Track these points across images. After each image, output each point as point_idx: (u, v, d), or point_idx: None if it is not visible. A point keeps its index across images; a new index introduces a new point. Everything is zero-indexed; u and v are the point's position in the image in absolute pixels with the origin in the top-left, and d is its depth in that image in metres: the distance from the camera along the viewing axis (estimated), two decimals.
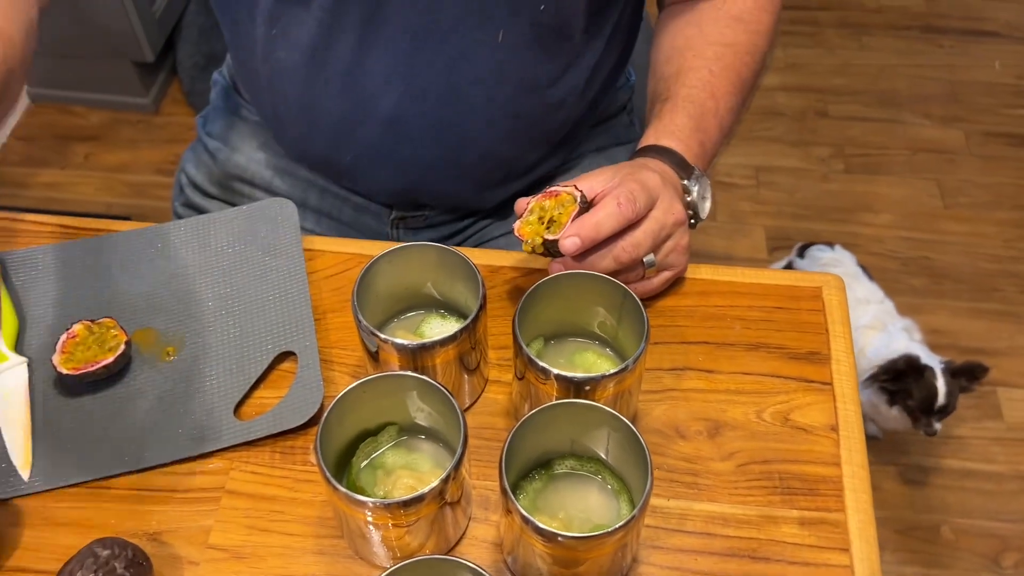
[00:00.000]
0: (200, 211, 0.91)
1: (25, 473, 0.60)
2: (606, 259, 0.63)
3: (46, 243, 0.73)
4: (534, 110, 0.79)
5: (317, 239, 0.75)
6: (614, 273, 0.62)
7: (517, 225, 0.64)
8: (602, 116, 0.94)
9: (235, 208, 0.75)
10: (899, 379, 1.30)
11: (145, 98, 2.02)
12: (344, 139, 0.80)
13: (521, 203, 0.66)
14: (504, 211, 0.92)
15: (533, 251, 0.63)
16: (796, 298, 0.71)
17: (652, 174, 0.65)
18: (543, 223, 0.63)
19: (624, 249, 0.63)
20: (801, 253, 1.55)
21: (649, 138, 0.74)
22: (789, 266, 1.56)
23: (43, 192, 1.93)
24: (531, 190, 0.90)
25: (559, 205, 0.63)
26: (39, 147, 2.00)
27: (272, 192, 0.90)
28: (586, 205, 0.63)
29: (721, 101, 0.76)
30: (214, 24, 2.04)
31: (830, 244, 1.55)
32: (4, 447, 0.61)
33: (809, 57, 2.18)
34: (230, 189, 0.91)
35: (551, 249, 0.63)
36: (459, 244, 0.94)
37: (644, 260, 0.65)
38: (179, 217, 0.95)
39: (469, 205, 0.89)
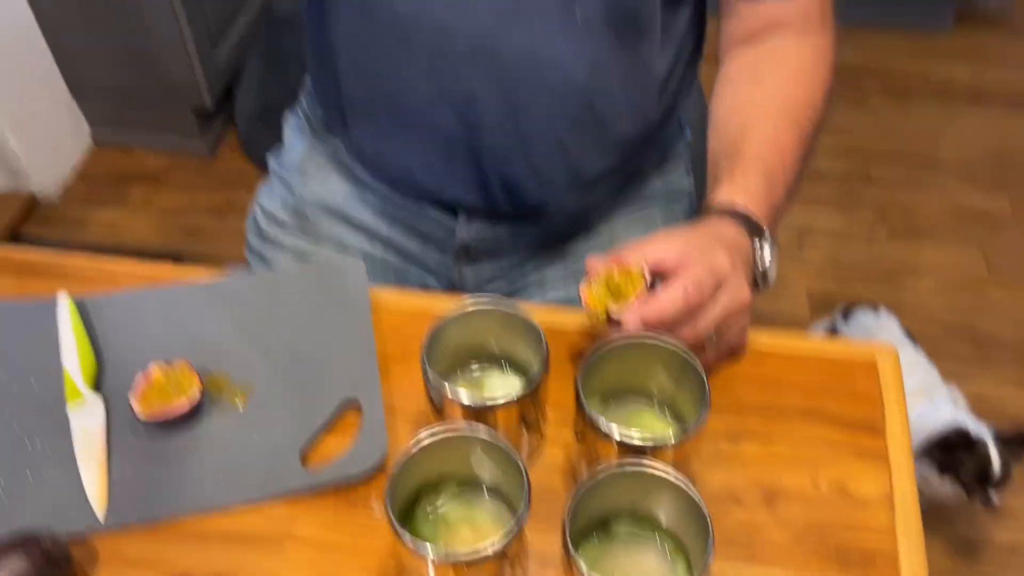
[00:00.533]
0: (276, 242, 0.95)
1: (100, 511, 0.62)
2: (680, 337, 0.64)
3: (125, 287, 0.76)
4: (605, 106, 0.81)
5: (384, 291, 0.77)
6: None
7: (584, 289, 0.66)
8: (660, 161, 0.97)
9: (307, 265, 0.78)
10: (951, 452, 1.29)
11: (202, 143, 2.10)
12: (424, 124, 0.83)
13: (592, 264, 0.67)
14: (562, 251, 0.94)
15: (595, 319, 0.65)
16: (851, 367, 0.72)
17: (722, 255, 0.67)
18: (609, 292, 0.65)
19: (685, 333, 0.64)
20: (845, 316, 1.55)
21: (722, 195, 0.75)
22: (833, 328, 1.56)
23: (101, 230, 1.99)
24: (594, 211, 0.94)
25: (627, 277, 0.65)
26: (100, 187, 2.07)
27: (347, 219, 0.94)
28: (652, 285, 0.65)
29: (788, 159, 0.78)
30: (272, 75, 2.11)
31: (874, 307, 1.55)
32: (81, 484, 0.63)
33: (854, 121, 2.20)
34: (304, 217, 0.94)
35: (613, 322, 0.64)
36: (516, 285, 0.96)
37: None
38: (252, 249, 0.98)
39: (533, 204, 0.89)
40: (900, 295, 1.83)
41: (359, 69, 0.84)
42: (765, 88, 0.82)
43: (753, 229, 0.72)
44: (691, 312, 0.64)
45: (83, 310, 0.73)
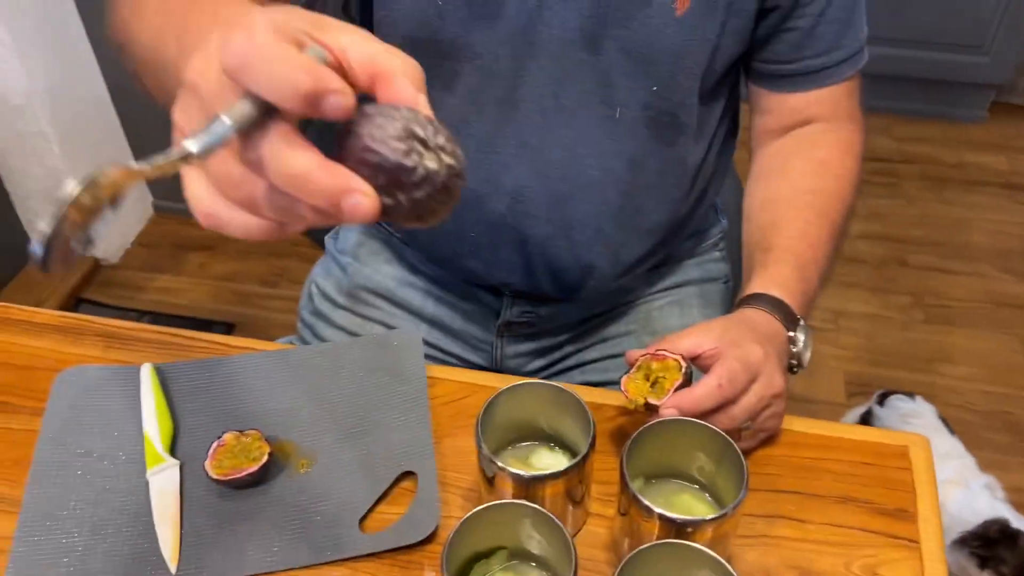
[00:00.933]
0: (327, 319, 1.01)
1: (173, 567, 0.66)
2: (715, 422, 0.68)
3: (197, 356, 0.82)
4: (643, 194, 0.87)
5: (436, 368, 0.83)
6: None
7: (625, 380, 0.71)
8: (696, 247, 1.02)
9: (367, 336, 0.83)
10: (991, 546, 1.29)
11: None
12: (472, 213, 0.88)
13: (632, 355, 0.72)
14: (601, 334, 0.99)
15: (635, 408, 0.70)
16: (883, 455, 0.75)
17: (756, 346, 0.70)
18: (648, 381, 0.70)
19: (720, 421, 0.68)
20: (881, 402, 1.57)
21: (756, 287, 0.79)
22: (869, 413, 1.58)
23: (157, 296, 2.08)
24: (632, 294, 0.99)
25: (665, 368, 0.70)
26: (158, 254, 2.17)
27: (395, 301, 1.00)
28: (689, 376, 0.70)
29: (819, 250, 0.82)
30: (327, 151, 2.22)
31: (910, 394, 1.57)
32: (156, 541, 0.68)
33: (889, 207, 2.24)
34: (357, 299, 1.00)
35: (651, 410, 0.69)
36: (556, 363, 1.00)
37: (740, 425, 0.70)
38: (304, 322, 1.04)
39: (575, 287, 0.93)
40: (936, 381, 1.84)
41: None
42: (794, 182, 0.87)
43: (787, 317, 0.77)
44: (725, 403, 0.68)
45: (162, 376, 0.79)
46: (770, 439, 0.76)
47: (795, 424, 0.77)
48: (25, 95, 1.81)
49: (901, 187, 2.31)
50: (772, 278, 0.79)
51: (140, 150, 2.10)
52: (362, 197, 0.39)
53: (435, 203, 0.42)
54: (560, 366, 1.01)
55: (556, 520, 0.60)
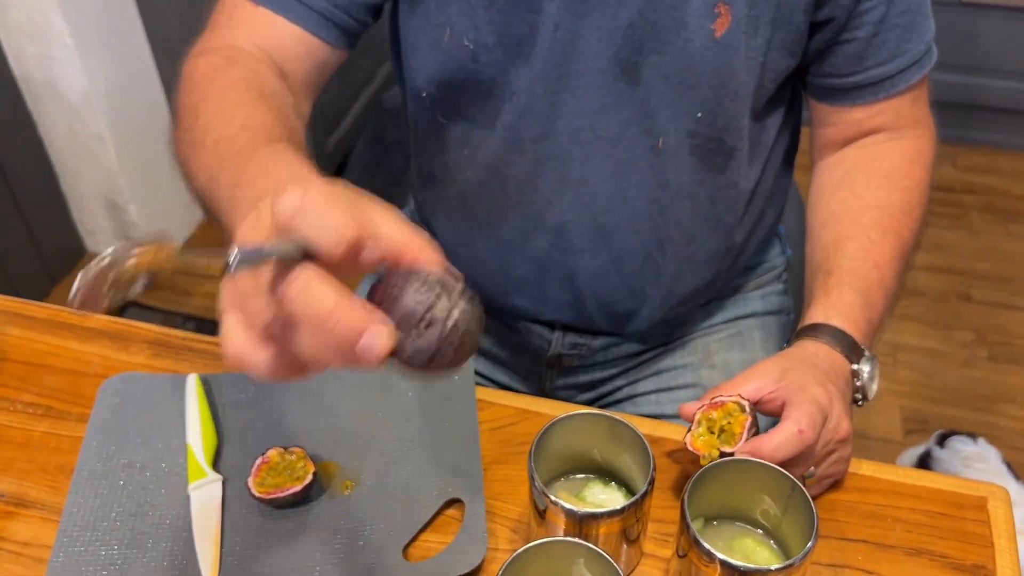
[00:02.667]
0: None
1: None
2: (794, 467, 0.64)
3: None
4: (694, 222, 0.83)
5: (487, 391, 0.80)
6: None
7: (689, 439, 0.66)
8: (756, 277, 0.98)
9: None
10: None
11: None
12: (517, 250, 0.85)
13: (688, 409, 0.68)
14: (656, 366, 0.95)
15: (711, 463, 0.63)
16: (960, 506, 0.70)
17: (820, 390, 0.66)
18: (713, 433, 0.66)
19: (794, 470, 0.64)
20: (941, 442, 1.51)
21: (816, 316, 0.75)
22: (927, 454, 1.51)
23: (202, 301, 2.09)
24: (689, 326, 0.95)
25: (727, 415, 0.66)
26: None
27: None
28: (755, 418, 0.65)
29: (885, 269, 0.76)
30: (377, 163, 2.21)
31: (972, 436, 1.50)
32: (195, 557, 0.66)
33: (953, 239, 2.17)
34: None
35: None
36: (607, 395, 0.97)
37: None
38: None
39: (627, 319, 0.90)
40: (999, 422, 1.77)
41: (456, 201, 0.88)
42: (859, 196, 0.81)
43: (850, 349, 0.72)
44: (803, 450, 0.64)
45: (208, 387, 0.77)
46: (837, 483, 0.71)
47: (863, 468, 0.72)
48: (84, 95, 1.83)
49: (966, 218, 2.23)
50: (833, 306, 0.74)
51: None
52: (381, 330, 0.41)
53: (448, 350, 0.44)
54: (611, 398, 0.97)
55: (612, 560, 0.57)
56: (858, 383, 0.72)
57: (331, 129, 2.10)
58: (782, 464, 0.62)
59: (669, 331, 0.95)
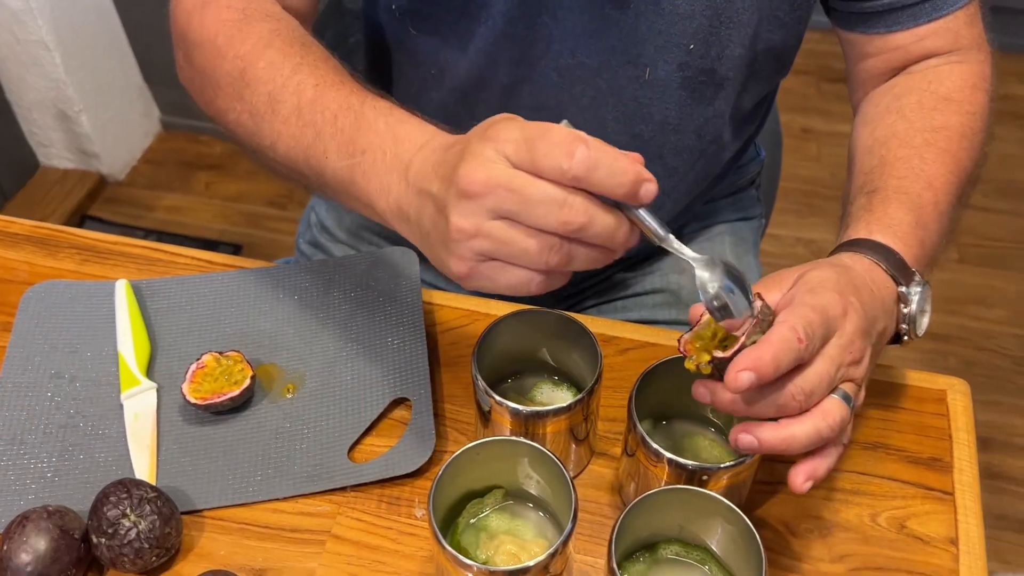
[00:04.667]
0: (325, 252, 0.95)
1: None
2: (770, 409, 0.51)
3: (181, 274, 0.77)
4: (677, 155, 0.78)
5: (436, 293, 0.77)
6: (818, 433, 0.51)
7: (683, 339, 0.54)
8: (733, 188, 0.94)
9: (359, 254, 0.78)
10: None
11: None
12: None
13: (696, 310, 0.55)
14: (625, 281, 0.92)
15: (698, 370, 0.52)
16: (920, 400, 0.68)
17: (835, 297, 0.53)
18: (714, 339, 0.53)
19: (794, 397, 0.51)
20: None
21: (859, 231, 0.63)
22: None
23: (164, 215, 2.03)
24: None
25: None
26: (165, 172, 2.11)
27: (398, 240, 0.93)
28: (771, 320, 0.52)
29: (940, 192, 0.65)
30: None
31: None
32: (130, 468, 0.64)
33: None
34: (358, 236, 0.94)
35: (720, 368, 0.51)
36: (576, 305, 0.94)
37: (849, 411, 0.52)
38: (301, 252, 0.98)
39: None
40: (967, 323, 1.77)
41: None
42: (910, 120, 0.70)
43: (896, 267, 0.59)
44: (800, 362, 0.51)
45: (139, 294, 0.74)
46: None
47: None
48: (24, 0, 1.73)
49: None
50: (878, 220, 0.62)
51: (145, 60, 2.02)
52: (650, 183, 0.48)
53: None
54: (579, 308, 0.94)
55: (556, 459, 0.54)
56: (905, 310, 0.59)
57: None
58: (782, 383, 0.50)
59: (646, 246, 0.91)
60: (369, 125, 0.56)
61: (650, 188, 0.48)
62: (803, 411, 0.51)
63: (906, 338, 0.60)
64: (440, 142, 0.53)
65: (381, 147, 0.55)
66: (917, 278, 0.60)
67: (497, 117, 0.51)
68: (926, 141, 0.67)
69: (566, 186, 0.46)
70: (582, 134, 0.47)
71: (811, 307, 0.51)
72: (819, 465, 0.53)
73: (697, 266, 0.51)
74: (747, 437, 0.51)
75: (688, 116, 0.75)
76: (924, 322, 0.60)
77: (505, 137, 0.48)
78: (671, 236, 0.50)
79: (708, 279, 0.50)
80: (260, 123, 0.61)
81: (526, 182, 0.47)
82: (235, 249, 1.94)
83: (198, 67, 0.66)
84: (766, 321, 0.51)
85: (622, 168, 0.47)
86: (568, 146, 0.46)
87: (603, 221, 0.47)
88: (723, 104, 0.76)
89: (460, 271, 0.49)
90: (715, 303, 0.50)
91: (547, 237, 0.47)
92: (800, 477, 0.52)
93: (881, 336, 0.57)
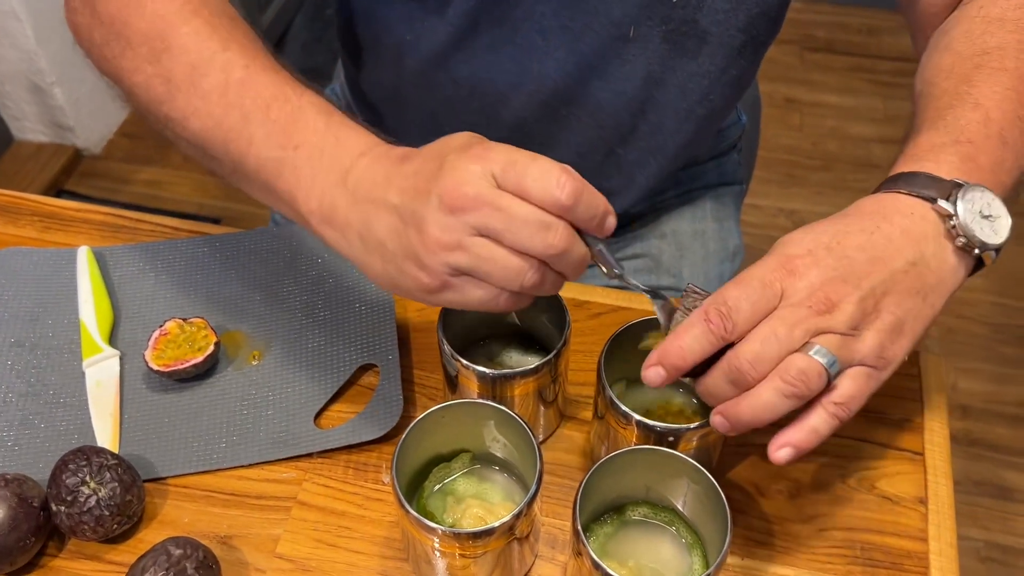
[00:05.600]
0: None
1: None
2: (724, 387, 0.49)
3: (145, 241, 0.75)
4: (661, 114, 0.77)
5: None
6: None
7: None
8: (715, 152, 0.93)
9: None
10: None
11: None
12: None
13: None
14: (610, 243, 0.91)
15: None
16: None
17: (769, 262, 0.50)
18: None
19: (740, 369, 0.48)
20: None
21: (895, 169, 0.55)
22: None
23: (142, 189, 2.00)
24: (648, 212, 0.90)
25: None
26: (143, 145, 2.08)
27: None
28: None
29: (993, 109, 0.55)
30: (316, 39, 2.10)
31: None
32: (93, 436, 0.63)
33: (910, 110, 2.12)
34: None
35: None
36: None
37: (822, 363, 0.47)
38: (276, 222, 0.97)
39: None
40: None
41: (391, 91, 0.82)
42: (957, 51, 0.61)
43: (924, 184, 0.51)
44: (722, 343, 0.48)
45: (102, 261, 0.72)
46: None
47: None
48: None
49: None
50: (904, 156, 0.55)
51: None
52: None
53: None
54: None
55: (521, 421, 0.54)
56: (953, 222, 0.50)
57: (265, 5, 1.98)
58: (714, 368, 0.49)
59: (628, 211, 0.90)
60: (307, 121, 0.53)
61: (611, 221, 0.50)
62: (761, 378, 0.48)
63: (978, 251, 0.51)
64: (384, 151, 0.51)
65: (319, 146, 0.52)
66: (963, 185, 0.50)
67: (465, 136, 0.50)
68: (976, 66, 0.59)
69: (549, 212, 0.47)
70: (566, 166, 0.48)
71: (733, 283, 0.49)
72: (794, 433, 0.48)
73: (653, 298, 0.54)
74: (716, 418, 0.50)
75: (671, 70, 0.74)
76: (991, 230, 0.50)
77: (494, 158, 0.48)
78: (624, 272, 0.52)
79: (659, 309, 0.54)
80: (175, 93, 0.57)
81: (513, 202, 0.47)
82: (214, 223, 1.92)
83: (104, 16, 0.60)
84: None
85: (597, 200, 0.49)
86: (559, 176, 0.47)
87: (580, 249, 0.49)
88: (709, 62, 0.74)
89: (430, 284, 0.49)
90: (669, 331, 0.52)
91: (527, 258, 0.48)
92: (774, 446, 0.49)
93: (907, 274, 0.49)
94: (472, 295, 0.49)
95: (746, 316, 0.48)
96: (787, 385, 0.47)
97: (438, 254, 0.48)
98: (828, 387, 0.48)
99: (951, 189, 0.50)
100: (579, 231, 0.49)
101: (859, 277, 0.48)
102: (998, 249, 0.51)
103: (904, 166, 0.53)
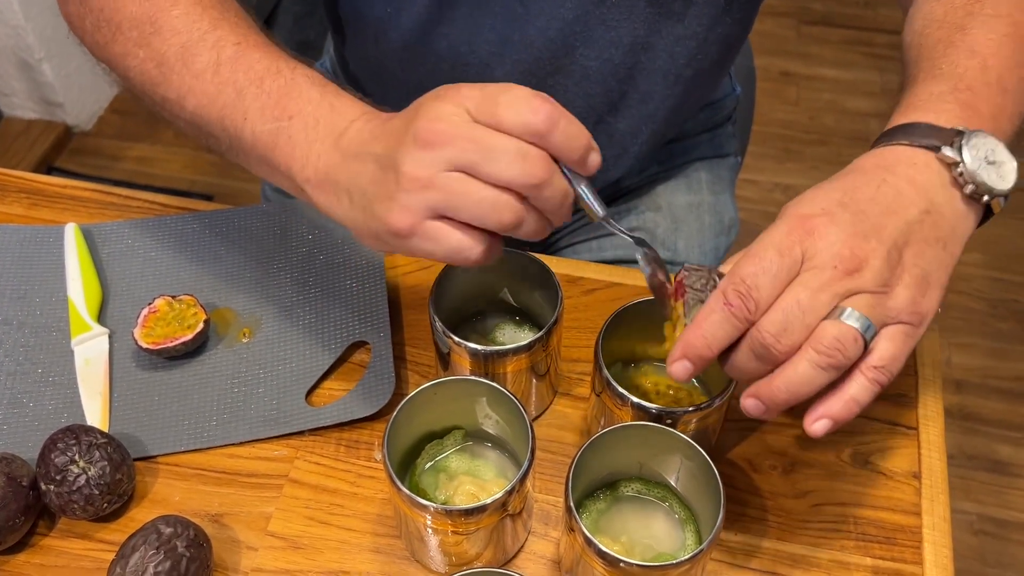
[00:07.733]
0: (289, 196, 0.92)
1: None
2: (754, 365, 0.46)
3: (134, 217, 0.74)
4: (650, 79, 0.76)
5: None
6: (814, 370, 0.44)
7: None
8: (709, 123, 0.92)
9: None
10: None
11: None
12: None
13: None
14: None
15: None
16: None
17: (782, 227, 0.47)
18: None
19: (765, 344, 0.44)
20: None
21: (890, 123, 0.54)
22: None
23: (133, 166, 1.99)
24: (643, 184, 0.89)
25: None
26: (133, 122, 2.06)
27: None
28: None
29: (990, 56, 0.54)
30: (308, 12, 2.07)
31: None
32: (82, 415, 0.62)
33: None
34: None
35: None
36: (550, 247, 0.93)
37: (856, 327, 0.44)
38: (267, 199, 0.96)
39: None
40: None
41: (375, 64, 0.80)
42: (950, 2, 0.59)
43: (924, 134, 0.50)
44: (747, 325, 0.45)
45: (90, 238, 0.71)
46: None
47: None
48: None
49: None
50: (900, 108, 0.53)
51: None
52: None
53: None
54: (552, 248, 0.93)
55: (513, 397, 0.53)
56: (959, 169, 0.48)
57: None
58: (722, 350, 0.46)
59: (620, 182, 0.89)
60: (301, 92, 0.53)
61: (595, 158, 0.48)
62: (794, 352, 0.44)
63: (986, 198, 0.49)
64: (376, 115, 0.51)
65: (314, 115, 0.52)
66: (964, 132, 0.49)
67: (441, 87, 0.49)
68: (969, 13, 0.57)
69: (527, 142, 0.46)
70: (543, 93, 0.47)
71: (748, 257, 0.46)
72: (832, 404, 0.45)
73: (636, 246, 0.51)
74: (749, 401, 0.46)
75: (657, 34, 0.72)
76: (997, 176, 0.49)
77: (465, 93, 0.47)
78: (608, 216, 0.50)
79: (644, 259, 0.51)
80: (168, 74, 0.56)
81: (488, 133, 0.46)
82: (206, 199, 1.91)
83: (93, 3, 0.60)
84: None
85: (578, 131, 0.47)
86: (531, 101, 0.46)
87: (560, 182, 0.47)
88: (696, 23, 0.73)
89: (402, 225, 0.47)
90: (654, 280, 0.51)
91: (504, 192, 0.46)
92: (810, 418, 0.46)
93: (922, 224, 0.47)
94: (445, 241, 0.47)
95: (768, 292, 0.45)
96: (822, 356, 0.44)
97: (412, 192, 0.46)
98: (864, 351, 0.45)
99: (953, 137, 0.49)
100: (563, 171, 0.48)
101: (879, 231, 0.46)
102: (1006, 195, 0.50)
103: (902, 117, 0.52)
